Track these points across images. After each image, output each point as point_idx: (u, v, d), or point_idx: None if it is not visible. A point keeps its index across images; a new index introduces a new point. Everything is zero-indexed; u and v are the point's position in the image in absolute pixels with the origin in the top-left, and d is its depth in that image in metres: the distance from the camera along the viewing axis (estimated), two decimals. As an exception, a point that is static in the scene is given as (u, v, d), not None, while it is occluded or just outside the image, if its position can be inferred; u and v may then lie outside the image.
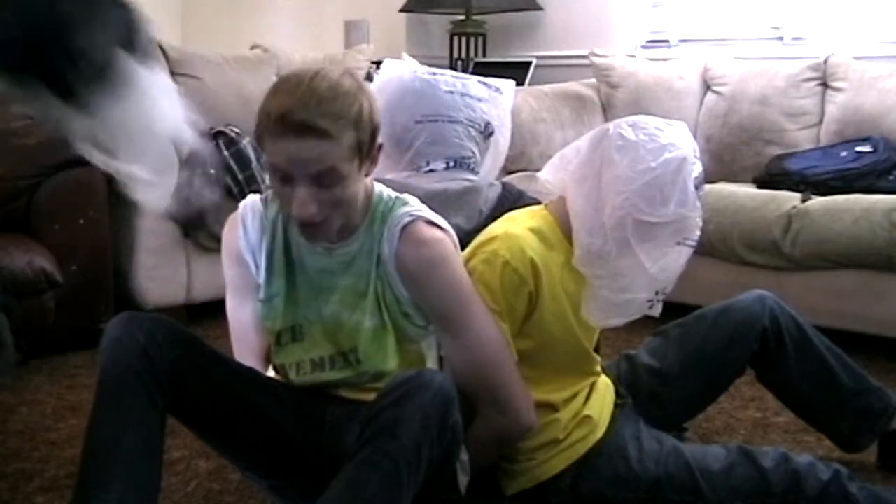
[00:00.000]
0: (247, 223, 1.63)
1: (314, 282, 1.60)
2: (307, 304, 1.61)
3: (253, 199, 1.65)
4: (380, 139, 1.52)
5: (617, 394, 1.86)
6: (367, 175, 1.54)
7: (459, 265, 1.61)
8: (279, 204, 1.57)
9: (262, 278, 1.62)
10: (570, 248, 1.69)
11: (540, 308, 1.68)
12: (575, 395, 1.78)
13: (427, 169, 2.02)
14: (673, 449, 1.73)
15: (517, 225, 1.71)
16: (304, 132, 1.40)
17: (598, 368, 1.85)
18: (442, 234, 1.58)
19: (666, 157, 1.61)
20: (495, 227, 1.74)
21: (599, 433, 1.76)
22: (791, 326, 1.89)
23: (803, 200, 2.95)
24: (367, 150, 1.48)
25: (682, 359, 1.90)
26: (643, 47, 4.34)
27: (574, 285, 1.70)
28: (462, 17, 4.64)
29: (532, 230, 1.70)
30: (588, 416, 1.76)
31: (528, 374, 1.68)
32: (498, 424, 1.63)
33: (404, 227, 1.55)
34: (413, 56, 2.94)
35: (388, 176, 1.97)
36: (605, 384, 1.85)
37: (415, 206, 1.59)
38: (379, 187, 1.62)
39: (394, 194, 1.61)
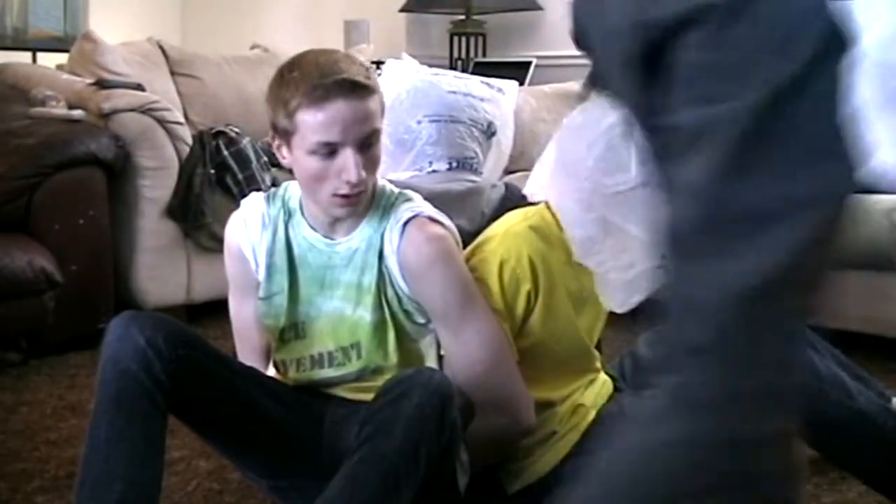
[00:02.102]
0: (248, 221, 1.64)
1: (317, 278, 1.60)
2: (309, 300, 1.61)
3: (255, 197, 1.66)
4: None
5: (616, 389, 1.86)
6: None
7: (461, 262, 1.61)
8: (307, 191, 1.55)
9: (262, 276, 1.63)
10: (569, 245, 1.69)
11: (540, 306, 1.67)
12: (573, 393, 1.78)
13: (430, 170, 2.02)
14: None
15: (517, 224, 1.71)
16: (353, 90, 1.41)
17: (598, 365, 1.85)
18: (444, 231, 1.58)
19: (608, 122, 1.58)
20: (495, 227, 1.74)
21: (591, 417, 1.75)
22: None
23: (804, 200, 2.95)
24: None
25: None
26: (643, 47, 4.34)
27: (576, 282, 1.70)
28: (462, 17, 4.64)
29: (532, 228, 1.69)
30: (581, 405, 1.76)
31: (527, 372, 1.67)
32: (497, 425, 1.62)
33: (406, 222, 1.55)
34: (413, 56, 2.93)
35: (390, 176, 1.97)
36: (603, 380, 1.85)
37: (417, 202, 1.59)
38: (382, 181, 1.62)
39: (397, 189, 1.61)
